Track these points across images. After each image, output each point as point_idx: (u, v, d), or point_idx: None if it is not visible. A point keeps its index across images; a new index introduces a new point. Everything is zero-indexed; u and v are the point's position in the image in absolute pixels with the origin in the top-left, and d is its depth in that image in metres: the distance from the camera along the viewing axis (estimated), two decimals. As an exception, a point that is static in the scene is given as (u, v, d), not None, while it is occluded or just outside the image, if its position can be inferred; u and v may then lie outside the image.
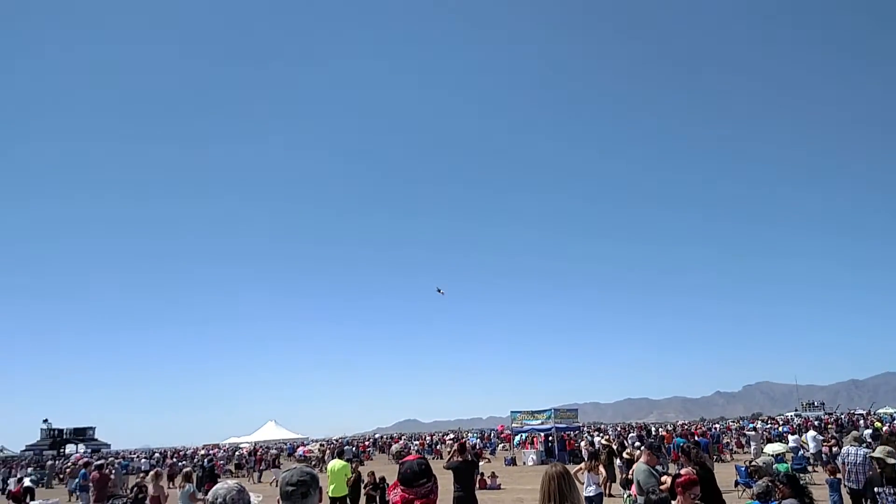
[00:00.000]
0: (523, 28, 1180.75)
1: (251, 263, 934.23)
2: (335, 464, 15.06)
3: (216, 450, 60.05)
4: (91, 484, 18.09)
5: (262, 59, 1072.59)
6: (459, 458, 11.79)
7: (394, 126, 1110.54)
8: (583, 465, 14.43)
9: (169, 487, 27.50)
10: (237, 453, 51.65)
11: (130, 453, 69.49)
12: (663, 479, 8.68)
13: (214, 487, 3.40)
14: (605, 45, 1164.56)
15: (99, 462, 24.94)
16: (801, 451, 23.28)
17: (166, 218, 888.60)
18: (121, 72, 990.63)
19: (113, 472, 24.21)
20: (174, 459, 47.15)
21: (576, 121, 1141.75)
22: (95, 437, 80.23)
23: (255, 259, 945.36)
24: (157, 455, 63.10)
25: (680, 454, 8.71)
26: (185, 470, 16.35)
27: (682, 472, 7.10)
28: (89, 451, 69.57)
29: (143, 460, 48.69)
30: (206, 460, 34.87)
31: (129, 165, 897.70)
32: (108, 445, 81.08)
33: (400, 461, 4.77)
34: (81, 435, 78.62)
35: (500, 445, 52.56)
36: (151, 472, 15.11)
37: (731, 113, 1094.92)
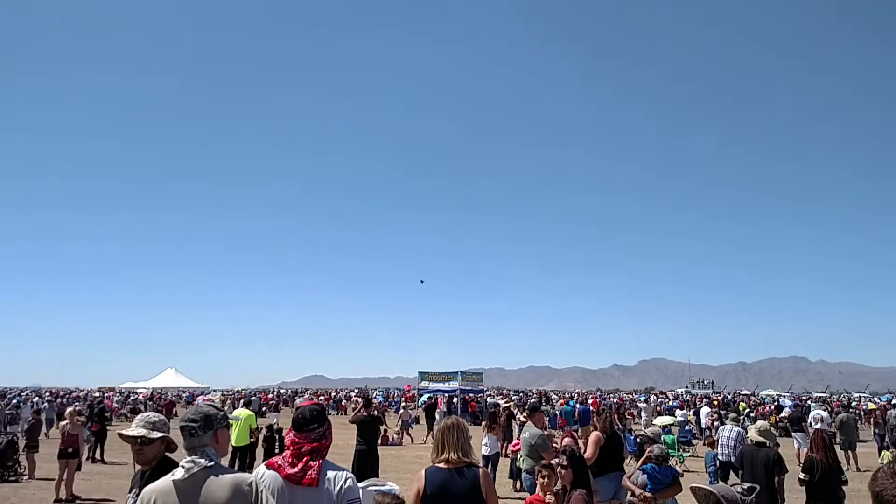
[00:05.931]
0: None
1: (186, 211, 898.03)
2: (240, 412, 15.03)
3: (112, 393, 58.06)
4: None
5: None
6: (365, 413, 12.03)
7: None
8: (482, 424, 14.78)
9: (56, 427, 26.41)
10: (132, 398, 50.27)
11: (19, 392, 66.01)
12: (555, 443, 8.95)
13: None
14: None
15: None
16: (687, 426, 24.67)
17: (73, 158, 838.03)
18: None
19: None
20: (65, 399, 45.24)
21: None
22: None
23: (188, 206, 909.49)
24: (47, 394, 60.48)
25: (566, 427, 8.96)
26: (74, 408, 15.73)
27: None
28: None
29: (33, 398, 46.57)
30: (97, 402, 33.68)
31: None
32: (-8, 381, 77.11)
33: (295, 407, 4.73)
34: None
35: (404, 405, 53.24)
36: (69, 409, 14.59)
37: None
